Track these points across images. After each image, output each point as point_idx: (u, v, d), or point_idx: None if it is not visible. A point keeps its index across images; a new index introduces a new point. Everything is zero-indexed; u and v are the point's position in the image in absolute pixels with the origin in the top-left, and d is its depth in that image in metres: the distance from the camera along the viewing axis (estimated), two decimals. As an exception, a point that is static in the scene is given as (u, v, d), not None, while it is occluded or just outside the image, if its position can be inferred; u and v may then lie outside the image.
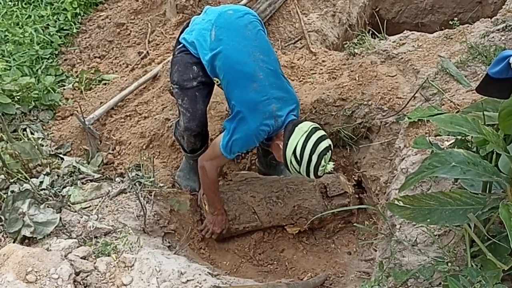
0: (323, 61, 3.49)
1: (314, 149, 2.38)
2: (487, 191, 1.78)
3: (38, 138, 3.18)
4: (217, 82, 2.59)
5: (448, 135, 2.29)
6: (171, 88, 2.75)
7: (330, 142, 2.46)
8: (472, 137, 1.97)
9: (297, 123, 2.47)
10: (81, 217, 2.45)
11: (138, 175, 2.76)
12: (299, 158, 2.40)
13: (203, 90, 2.66)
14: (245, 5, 3.87)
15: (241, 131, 2.47)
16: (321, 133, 2.44)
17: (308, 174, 2.44)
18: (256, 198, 2.91)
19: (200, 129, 2.73)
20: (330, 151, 2.44)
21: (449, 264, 1.80)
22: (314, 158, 2.38)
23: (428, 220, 1.61)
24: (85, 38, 4.20)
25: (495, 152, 1.75)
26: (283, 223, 2.95)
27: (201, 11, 3.77)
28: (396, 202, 1.66)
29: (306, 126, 2.44)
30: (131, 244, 2.30)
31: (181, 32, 2.69)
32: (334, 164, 2.49)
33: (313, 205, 2.88)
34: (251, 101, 2.45)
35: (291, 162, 2.44)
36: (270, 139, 2.61)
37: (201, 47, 2.53)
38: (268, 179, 3.03)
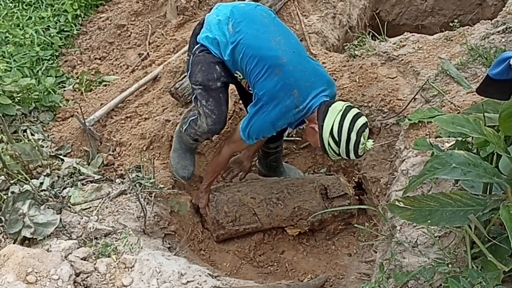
0: (324, 62, 3.49)
1: (352, 127, 2.31)
2: (488, 193, 1.78)
3: (39, 139, 3.18)
4: (239, 76, 2.57)
5: (449, 136, 2.29)
6: (192, 89, 2.67)
7: (366, 119, 2.40)
8: (472, 138, 1.98)
9: (330, 103, 2.40)
10: (81, 218, 2.45)
11: (138, 176, 2.76)
12: (337, 138, 2.34)
13: (225, 91, 2.64)
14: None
15: (259, 119, 2.45)
16: (356, 110, 2.38)
17: (348, 154, 2.37)
18: (256, 200, 2.91)
19: (222, 131, 2.71)
20: (367, 128, 2.38)
21: (450, 265, 1.80)
22: (353, 136, 2.31)
23: (429, 221, 1.61)
24: (85, 39, 4.21)
25: (495, 154, 1.75)
26: (283, 225, 2.95)
27: (202, 13, 3.80)
28: (396, 203, 1.66)
29: (340, 105, 2.38)
30: (131, 245, 2.30)
31: (193, 33, 2.66)
32: (374, 141, 2.42)
33: (313, 206, 2.88)
34: (271, 88, 2.40)
35: (329, 144, 2.37)
36: (302, 123, 2.59)
37: (222, 43, 2.51)
38: (269, 181, 3.03)
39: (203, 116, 2.62)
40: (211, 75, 2.54)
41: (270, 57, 2.41)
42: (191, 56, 2.63)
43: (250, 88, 2.58)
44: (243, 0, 3.58)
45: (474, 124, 1.62)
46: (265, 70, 2.40)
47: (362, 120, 2.35)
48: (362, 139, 2.33)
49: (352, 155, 2.38)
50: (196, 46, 2.61)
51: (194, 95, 2.65)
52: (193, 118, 2.77)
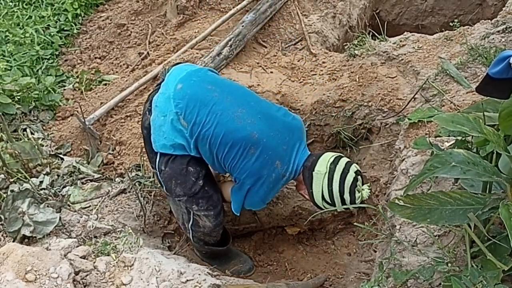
0: (324, 62, 3.50)
1: (343, 189, 2.20)
2: (487, 191, 1.77)
3: (38, 138, 3.18)
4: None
5: (449, 136, 2.29)
6: (174, 200, 2.48)
7: (356, 167, 2.25)
8: (472, 137, 1.97)
9: (312, 166, 2.24)
10: (81, 217, 2.45)
11: (138, 175, 2.76)
12: (330, 202, 2.24)
13: (208, 180, 2.43)
14: (245, 6, 3.88)
15: (249, 200, 2.32)
16: (341, 166, 2.22)
17: (346, 208, 2.35)
18: None
19: (224, 212, 2.54)
20: (359, 177, 2.24)
21: (449, 264, 1.80)
22: (347, 196, 2.21)
23: (428, 219, 1.60)
24: (85, 38, 4.21)
25: (495, 153, 1.75)
26: (283, 224, 2.95)
27: (202, 12, 3.78)
28: (396, 201, 1.66)
29: (322, 167, 2.22)
30: (130, 243, 2.30)
31: (146, 142, 2.43)
32: (370, 187, 2.29)
33: (313, 206, 2.88)
34: (253, 169, 2.21)
35: (324, 206, 2.29)
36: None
37: (184, 142, 2.27)
38: (268, 180, 3.02)
39: (202, 217, 2.45)
40: (189, 183, 2.32)
41: (240, 139, 2.19)
42: (158, 173, 2.37)
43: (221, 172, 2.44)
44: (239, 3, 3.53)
45: (474, 122, 1.62)
46: (240, 153, 2.20)
47: (351, 175, 2.20)
48: (356, 193, 2.22)
49: (350, 208, 2.36)
50: (158, 160, 2.33)
51: (179, 204, 2.47)
52: (190, 222, 2.51)
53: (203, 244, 2.61)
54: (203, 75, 2.38)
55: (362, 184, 2.26)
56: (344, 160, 2.26)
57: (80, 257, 2.14)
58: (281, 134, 2.26)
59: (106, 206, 2.58)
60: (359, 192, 2.23)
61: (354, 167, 2.25)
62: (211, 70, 2.50)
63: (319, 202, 2.28)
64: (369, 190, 2.26)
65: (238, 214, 2.43)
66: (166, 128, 2.26)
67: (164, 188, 2.41)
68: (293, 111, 3.15)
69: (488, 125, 1.70)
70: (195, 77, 2.34)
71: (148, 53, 3.88)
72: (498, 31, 3.06)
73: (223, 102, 2.24)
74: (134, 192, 2.63)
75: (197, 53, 3.43)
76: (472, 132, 1.62)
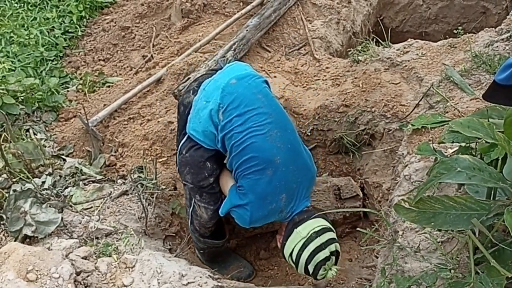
0: (327, 67, 3.50)
1: (310, 260, 2.21)
2: (492, 198, 1.77)
3: (41, 138, 3.19)
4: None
5: (452, 142, 2.29)
6: (183, 183, 2.55)
7: (334, 248, 2.24)
8: (476, 144, 1.97)
9: (297, 223, 2.26)
10: (83, 218, 2.45)
11: (140, 177, 2.76)
12: (294, 264, 2.29)
13: (217, 179, 2.47)
14: (249, 11, 3.89)
15: (240, 213, 2.31)
16: (321, 240, 2.22)
17: (307, 275, 2.33)
18: None
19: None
20: (333, 257, 2.24)
21: (452, 271, 1.79)
22: (311, 268, 2.23)
23: (432, 223, 1.60)
24: (90, 41, 4.22)
25: (500, 159, 1.75)
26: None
27: (206, 16, 3.79)
28: (402, 203, 1.65)
29: (305, 230, 2.23)
30: (132, 245, 2.30)
31: (180, 116, 2.47)
32: (337, 271, 2.26)
33: (326, 206, 2.87)
34: (260, 189, 2.23)
35: (288, 261, 2.35)
36: None
37: (214, 134, 2.30)
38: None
39: (201, 207, 2.50)
40: (201, 176, 2.38)
41: (262, 158, 2.21)
42: (178, 153, 2.45)
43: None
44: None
45: (488, 128, 1.62)
46: (256, 168, 2.22)
47: (324, 253, 2.21)
48: (321, 271, 2.23)
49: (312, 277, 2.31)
50: (183, 142, 2.40)
51: (186, 187, 2.54)
52: (191, 208, 2.57)
53: (199, 235, 2.63)
54: (259, 83, 2.39)
55: (336, 263, 2.27)
56: (328, 235, 2.26)
57: (82, 258, 2.13)
58: (298, 172, 2.29)
59: (108, 208, 2.58)
60: (325, 270, 2.24)
61: (333, 247, 2.25)
62: (267, 82, 2.48)
63: (286, 255, 2.33)
64: (336, 272, 2.25)
65: (222, 215, 2.44)
66: (204, 114, 2.29)
67: (177, 167, 2.51)
68: (296, 115, 3.15)
69: (493, 132, 1.70)
70: (251, 80, 2.37)
71: (152, 56, 3.89)
72: (502, 39, 3.07)
73: (264, 116, 2.26)
74: (136, 194, 2.63)
75: (201, 57, 3.43)
76: (486, 138, 1.62)
